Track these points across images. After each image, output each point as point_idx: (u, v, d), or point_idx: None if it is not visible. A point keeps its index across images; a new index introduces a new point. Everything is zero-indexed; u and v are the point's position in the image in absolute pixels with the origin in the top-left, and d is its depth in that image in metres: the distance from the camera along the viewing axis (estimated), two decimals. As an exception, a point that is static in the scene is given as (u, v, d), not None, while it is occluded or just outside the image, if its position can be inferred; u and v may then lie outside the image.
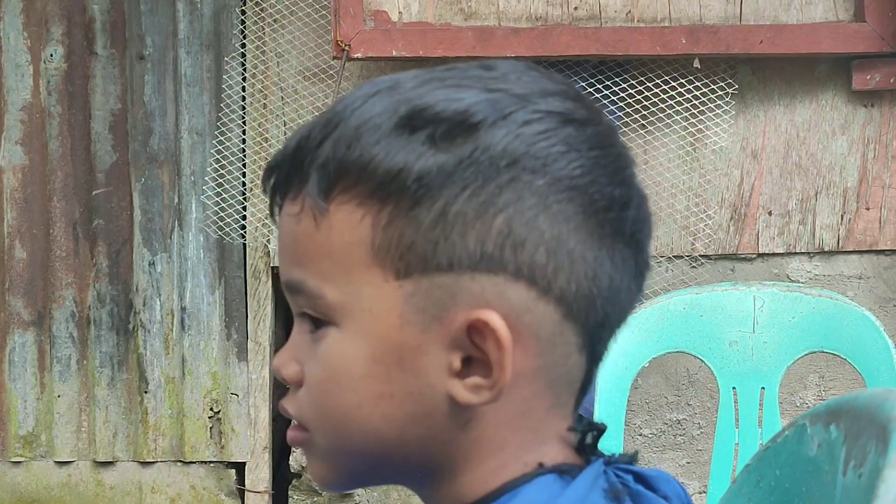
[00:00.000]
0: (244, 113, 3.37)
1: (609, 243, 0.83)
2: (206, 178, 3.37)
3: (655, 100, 3.22)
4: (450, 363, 0.82)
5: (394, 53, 3.12)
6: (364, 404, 0.83)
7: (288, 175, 0.85)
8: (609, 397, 2.34)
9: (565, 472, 0.83)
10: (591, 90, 3.18)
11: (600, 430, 0.86)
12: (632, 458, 0.86)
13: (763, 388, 2.39)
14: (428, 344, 0.82)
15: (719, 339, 2.40)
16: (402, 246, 0.81)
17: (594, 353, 0.87)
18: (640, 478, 0.86)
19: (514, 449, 0.84)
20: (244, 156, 3.37)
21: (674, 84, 3.21)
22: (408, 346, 0.82)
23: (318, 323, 0.85)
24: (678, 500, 0.88)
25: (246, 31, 3.36)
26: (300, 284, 0.84)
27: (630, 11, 3.22)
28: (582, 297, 0.83)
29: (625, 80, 3.20)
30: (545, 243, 0.81)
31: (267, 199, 0.88)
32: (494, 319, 0.80)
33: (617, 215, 0.83)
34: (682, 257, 3.30)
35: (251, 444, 3.43)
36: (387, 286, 0.82)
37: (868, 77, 3.23)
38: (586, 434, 0.86)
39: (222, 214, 3.33)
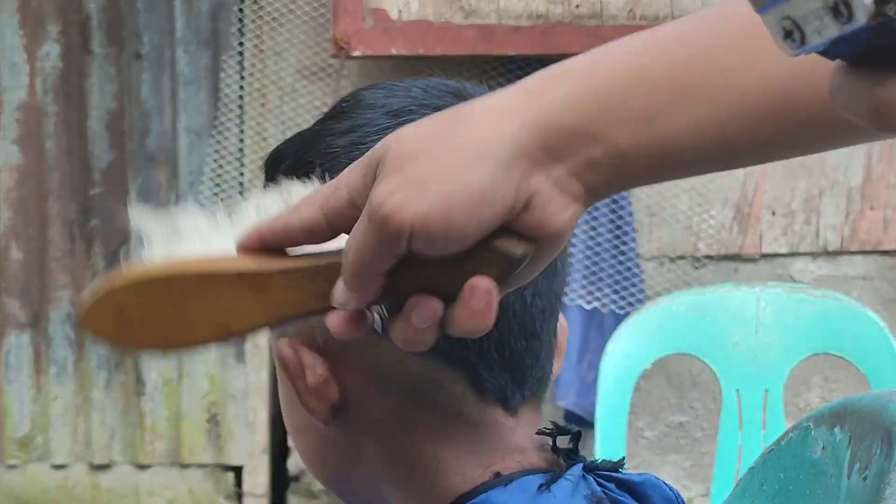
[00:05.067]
0: (242, 112, 3.38)
1: None
2: (203, 178, 3.37)
3: (658, 98, 3.22)
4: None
5: (393, 52, 3.13)
6: (296, 434, 0.82)
7: None
8: (611, 399, 2.33)
9: (529, 474, 0.76)
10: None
11: (571, 433, 0.79)
12: (615, 465, 0.80)
13: (767, 390, 2.39)
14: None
15: (722, 340, 2.39)
16: None
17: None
18: (624, 485, 0.80)
19: (455, 460, 0.77)
20: (242, 155, 3.37)
21: (676, 83, 3.20)
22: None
23: None
24: None
25: (244, 30, 3.37)
26: None
27: (632, 9, 3.23)
28: None
29: (627, 79, 3.19)
30: None
31: None
32: (278, 345, 0.77)
33: None
34: (684, 258, 3.30)
35: (249, 446, 3.42)
36: None
37: (873, 76, 3.22)
38: (556, 437, 0.79)
39: (220, 215, 3.33)
